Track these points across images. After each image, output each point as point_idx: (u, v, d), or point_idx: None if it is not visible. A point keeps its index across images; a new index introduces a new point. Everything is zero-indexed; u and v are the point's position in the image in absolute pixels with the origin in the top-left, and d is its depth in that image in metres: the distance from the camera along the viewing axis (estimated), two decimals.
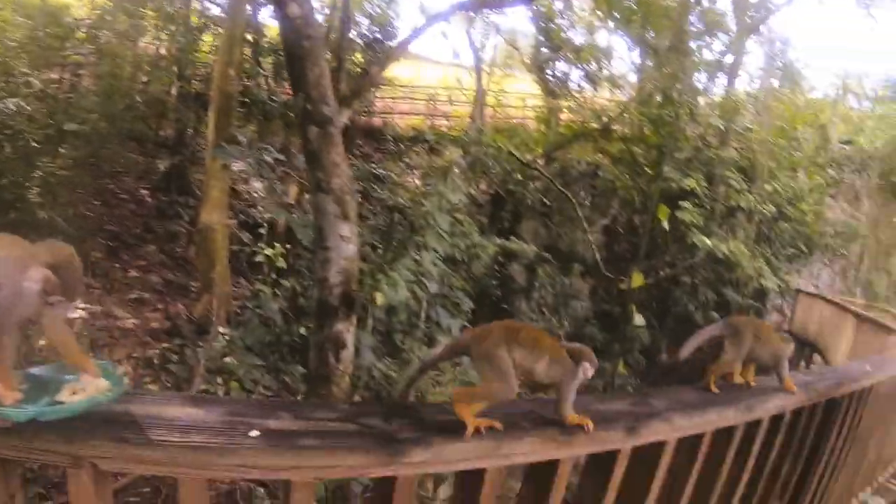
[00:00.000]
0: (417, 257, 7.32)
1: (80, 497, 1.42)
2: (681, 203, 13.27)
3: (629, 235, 15.19)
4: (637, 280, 5.09)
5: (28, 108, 9.58)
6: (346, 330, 5.78)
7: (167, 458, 1.41)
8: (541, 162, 13.58)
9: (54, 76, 12.26)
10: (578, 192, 13.97)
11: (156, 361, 8.00)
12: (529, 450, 1.69)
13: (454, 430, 1.59)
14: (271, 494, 6.00)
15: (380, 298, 6.59)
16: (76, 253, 1.54)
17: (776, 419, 2.64)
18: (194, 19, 12.74)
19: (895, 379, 3.73)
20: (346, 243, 5.35)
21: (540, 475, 1.85)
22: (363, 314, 6.89)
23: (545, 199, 13.65)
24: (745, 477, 2.64)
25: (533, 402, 1.93)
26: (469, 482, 1.75)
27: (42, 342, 4.51)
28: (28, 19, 11.74)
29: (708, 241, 12.67)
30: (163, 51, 12.74)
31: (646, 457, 2.07)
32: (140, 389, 5.65)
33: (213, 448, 1.42)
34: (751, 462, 2.63)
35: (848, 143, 21.45)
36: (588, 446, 1.83)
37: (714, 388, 2.32)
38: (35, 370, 1.58)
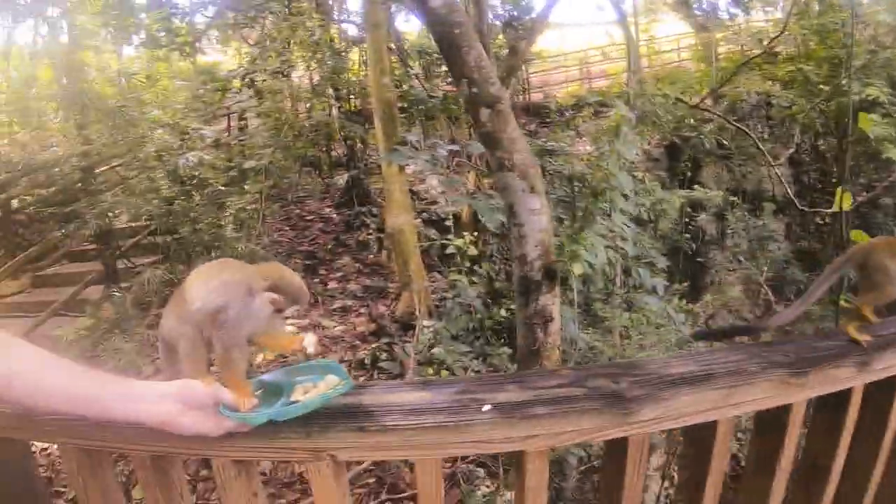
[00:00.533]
0: (605, 222, 7.18)
1: (323, 489, 1.55)
2: (867, 116, 12.03)
3: (816, 163, 14.13)
4: (846, 200, 4.64)
5: (207, 157, 10.44)
6: (552, 303, 5.78)
7: (403, 442, 1.50)
8: (708, 102, 12.88)
9: (222, 126, 13.33)
10: (755, 126, 13.12)
11: (367, 362, 8.37)
12: (762, 395, 1.60)
13: (682, 384, 1.56)
14: (490, 474, 6.17)
15: (577, 268, 6.52)
16: (284, 265, 1.69)
17: None
18: (335, 39, 13.19)
19: None
20: (538, 216, 5.32)
21: (769, 424, 1.75)
22: (563, 287, 6.86)
23: (721, 141, 12.93)
24: None
25: (757, 345, 1.81)
26: (699, 438, 1.67)
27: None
28: (187, 81, 12.88)
29: None
30: (316, 78, 13.29)
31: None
32: (367, 383, 5.99)
33: (448, 427, 1.47)
34: None
35: None
36: (821, 386, 1.67)
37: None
38: (266, 376, 1.70)
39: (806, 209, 11.58)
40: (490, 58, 10.37)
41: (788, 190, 9.93)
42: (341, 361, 8.70)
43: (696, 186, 10.99)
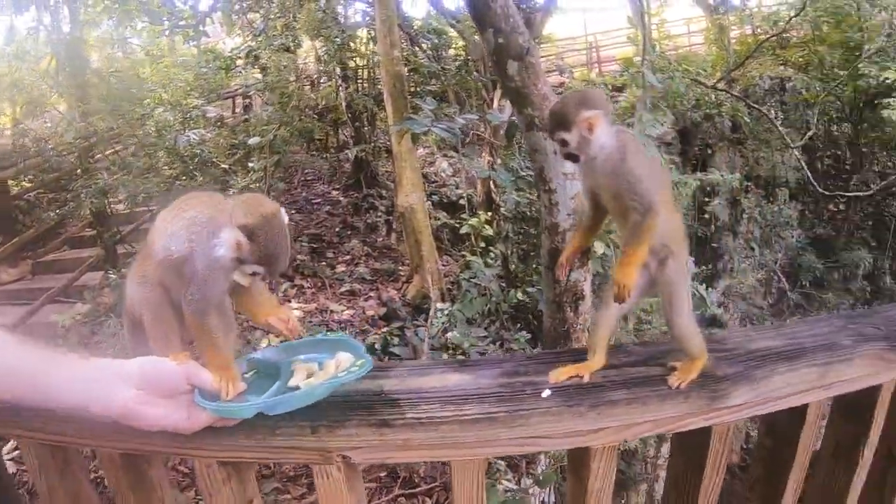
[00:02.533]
0: None
1: (331, 496, 1.20)
2: (883, 101, 11.78)
3: (830, 149, 13.83)
4: None
5: (209, 135, 10.07)
6: (583, 279, 5.46)
7: (441, 440, 1.16)
8: (721, 86, 12.60)
9: (227, 103, 12.97)
10: (769, 110, 12.82)
11: (377, 347, 8.08)
12: (857, 373, 1.32)
13: (777, 359, 1.28)
14: (511, 466, 5.64)
15: (599, 247, 6.21)
16: (282, 213, 1.22)
17: None
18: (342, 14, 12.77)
19: None
20: (571, 181, 4.97)
21: (852, 406, 1.45)
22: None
23: (735, 125, 12.62)
24: None
25: (840, 317, 1.60)
26: (781, 425, 1.40)
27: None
28: (190, 59, 12.55)
29: None
30: (323, 55, 12.94)
31: None
32: (389, 363, 5.59)
33: (497, 418, 1.15)
34: None
35: None
36: None
37: None
38: (258, 354, 1.33)
39: (826, 193, 11.24)
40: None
41: (808, 173, 9.57)
42: None
43: (709, 171, 10.67)
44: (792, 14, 12.24)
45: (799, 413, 1.34)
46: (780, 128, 11.13)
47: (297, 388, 1.17)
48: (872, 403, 1.39)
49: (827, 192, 11.19)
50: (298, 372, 1.22)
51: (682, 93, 9.92)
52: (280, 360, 1.27)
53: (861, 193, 11.49)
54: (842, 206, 12.82)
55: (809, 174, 9.59)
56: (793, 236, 12.08)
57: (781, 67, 13.64)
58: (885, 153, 12.78)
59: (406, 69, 10.27)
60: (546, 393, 1.19)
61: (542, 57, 17.35)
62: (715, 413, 1.23)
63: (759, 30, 14.23)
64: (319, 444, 1.15)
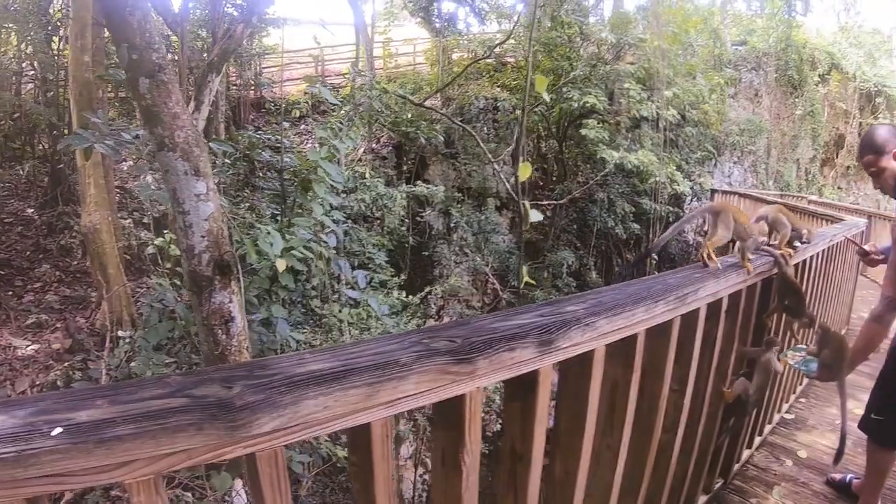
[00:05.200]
0: (305, 218, 6.67)
1: None
2: (584, 121, 12.95)
3: (539, 162, 14.81)
4: (525, 171, 4.63)
5: None
6: (229, 300, 5.14)
7: None
8: (437, 104, 12.95)
9: None
10: (481, 128, 13.44)
11: (59, 384, 7.27)
12: (415, 389, 1.33)
13: (311, 384, 1.23)
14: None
15: (281, 265, 5.94)
16: None
17: (714, 306, 2.64)
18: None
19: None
20: (204, 202, 4.70)
21: (448, 417, 1.50)
22: (275, 285, 6.35)
23: (449, 140, 13.06)
24: (692, 370, 2.62)
25: (425, 331, 1.57)
26: (356, 441, 1.37)
27: None
28: None
29: (615, 154, 12.37)
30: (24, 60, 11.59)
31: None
32: None
33: (6, 460, 1.05)
34: (695, 353, 2.59)
35: (742, 44, 21.87)
36: (498, 372, 1.47)
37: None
38: None
39: (526, 202, 11.92)
40: (217, 43, 9.49)
41: (507, 185, 10.08)
42: (34, 386, 7.47)
43: (419, 183, 10.87)
44: (505, 41, 12.96)
45: (363, 431, 1.32)
46: (487, 143, 11.64)
47: None
48: (460, 413, 1.44)
49: (522, 202, 11.86)
50: None
51: (388, 112, 10.00)
52: None
53: (556, 202, 12.38)
54: (549, 214, 13.69)
55: (508, 185, 10.06)
56: (504, 241, 12.70)
57: (498, 89, 14.31)
58: (587, 166, 13.85)
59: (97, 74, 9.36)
60: (56, 431, 1.08)
61: (267, 68, 17.15)
62: (240, 442, 1.17)
63: (477, 54, 14.86)
64: None
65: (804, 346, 3.51)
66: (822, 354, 3.04)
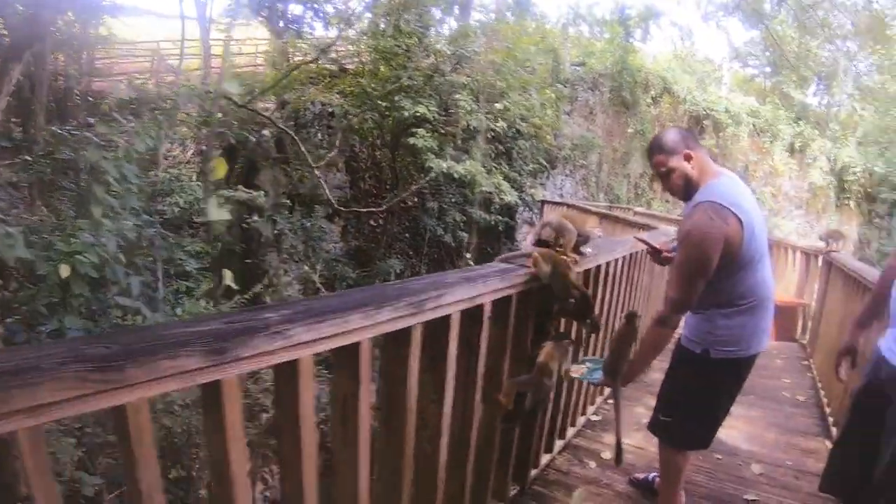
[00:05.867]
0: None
1: None
2: (415, 130, 13.24)
3: (373, 170, 15.04)
4: (220, 169, 4.78)
5: None
6: None
7: None
8: (272, 107, 12.89)
9: None
10: (315, 133, 13.51)
11: None
12: (53, 398, 1.21)
13: None
14: None
15: (64, 270, 5.74)
16: None
17: (472, 312, 2.57)
18: None
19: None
20: None
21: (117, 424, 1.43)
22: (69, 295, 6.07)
23: (280, 144, 13.04)
24: (448, 379, 2.47)
25: (84, 339, 1.56)
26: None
27: None
28: None
29: (443, 164, 12.82)
30: None
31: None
32: None
33: None
34: (449, 361, 2.45)
35: (581, 65, 22.99)
36: (158, 384, 1.36)
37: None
38: None
39: (342, 209, 12.19)
40: None
41: (328, 193, 10.26)
42: None
43: (239, 188, 10.77)
44: (344, 46, 13.05)
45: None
46: (319, 150, 11.67)
47: None
48: (124, 425, 1.37)
49: (343, 209, 12.12)
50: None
51: (216, 116, 9.87)
52: None
53: (374, 210, 12.67)
54: (381, 221, 13.95)
55: (327, 191, 10.21)
56: (336, 249, 12.81)
57: (336, 95, 14.39)
58: (421, 175, 14.19)
59: None
60: None
61: (102, 59, 16.44)
62: None
63: (315, 60, 14.87)
64: None
65: (593, 358, 3.67)
66: (606, 361, 3.11)
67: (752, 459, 4.27)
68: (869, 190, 26.77)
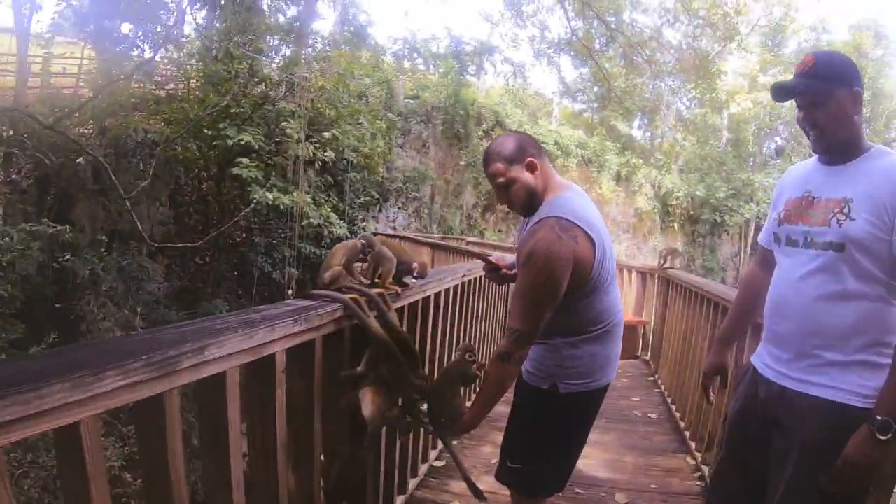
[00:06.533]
0: None
1: None
2: (239, 160, 12.87)
3: (199, 203, 14.53)
4: None
5: None
6: None
7: None
8: (90, 133, 12.13)
9: None
10: (137, 163, 12.84)
11: None
12: None
13: None
14: None
15: None
16: None
17: (259, 367, 2.05)
18: None
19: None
20: None
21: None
22: None
23: (97, 174, 12.28)
24: (230, 452, 1.87)
25: None
26: None
27: None
28: None
29: (269, 195, 12.59)
30: None
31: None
32: None
33: None
34: (230, 431, 1.87)
35: (415, 97, 23.55)
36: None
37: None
38: None
39: (155, 244, 11.74)
40: None
41: (141, 228, 9.85)
42: None
43: (44, 221, 10.01)
44: (172, 69, 12.45)
45: None
46: (141, 181, 11.13)
47: None
48: None
49: (157, 245, 11.68)
50: None
51: (27, 142, 9.18)
52: None
53: (194, 245, 12.27)
54: (208, 259, 13.48)
55: (141, 228, 9.81)
56: (161, 289, 12.18)
57: (162, 123, 13.79)
58: (245, 207, 13.82)
59: None
60: None
61: None
62: None
63: (146, 83, 14.20)
64: None
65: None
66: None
67: (615, 488, 4.07)
68: (691, 213, 29.69)
